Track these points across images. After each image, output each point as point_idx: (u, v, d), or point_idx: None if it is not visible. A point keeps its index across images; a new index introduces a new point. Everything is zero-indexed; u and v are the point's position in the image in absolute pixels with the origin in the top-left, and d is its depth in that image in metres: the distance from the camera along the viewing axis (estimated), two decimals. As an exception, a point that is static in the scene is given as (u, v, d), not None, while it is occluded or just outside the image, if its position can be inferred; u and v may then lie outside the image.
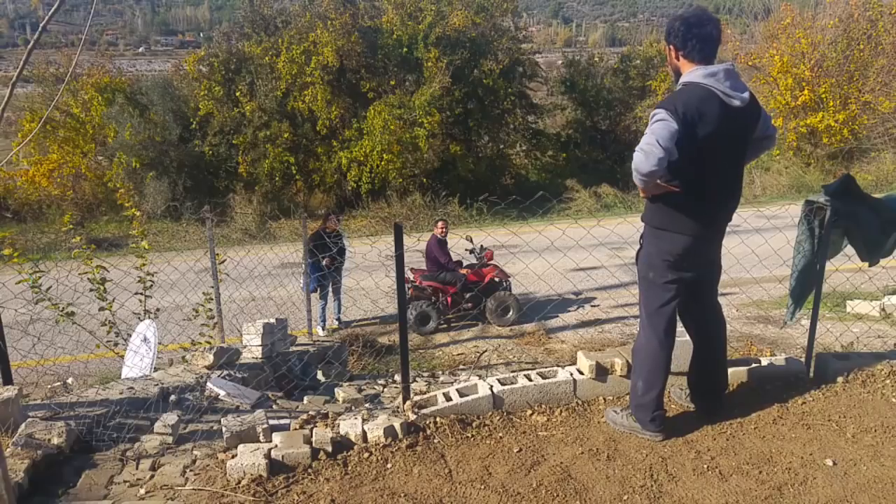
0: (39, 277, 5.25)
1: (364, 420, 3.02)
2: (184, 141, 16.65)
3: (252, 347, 5.12)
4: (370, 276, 6.62)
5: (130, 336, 5.22)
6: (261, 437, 2.95)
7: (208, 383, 4.10)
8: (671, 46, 2.72)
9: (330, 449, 2.85)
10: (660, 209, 2.77)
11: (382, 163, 15.46)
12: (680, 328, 3.24)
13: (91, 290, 5.59)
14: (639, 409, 2.95)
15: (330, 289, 8.51)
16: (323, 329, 8.36)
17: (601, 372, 3.34)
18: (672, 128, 2.49)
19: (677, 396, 3.31)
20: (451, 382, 4.69)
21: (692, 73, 2.64)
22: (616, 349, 3.57)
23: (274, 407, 4.08)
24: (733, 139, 2.68)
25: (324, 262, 7.77)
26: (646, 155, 2.45)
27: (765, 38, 18.99)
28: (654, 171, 2.47)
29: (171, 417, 3.18)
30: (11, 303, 4.47)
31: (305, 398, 4.45)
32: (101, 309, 5.57)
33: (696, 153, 2.59)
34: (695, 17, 2.64)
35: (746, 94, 2.64)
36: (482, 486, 2.62)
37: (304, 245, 7.61)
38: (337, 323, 8.66)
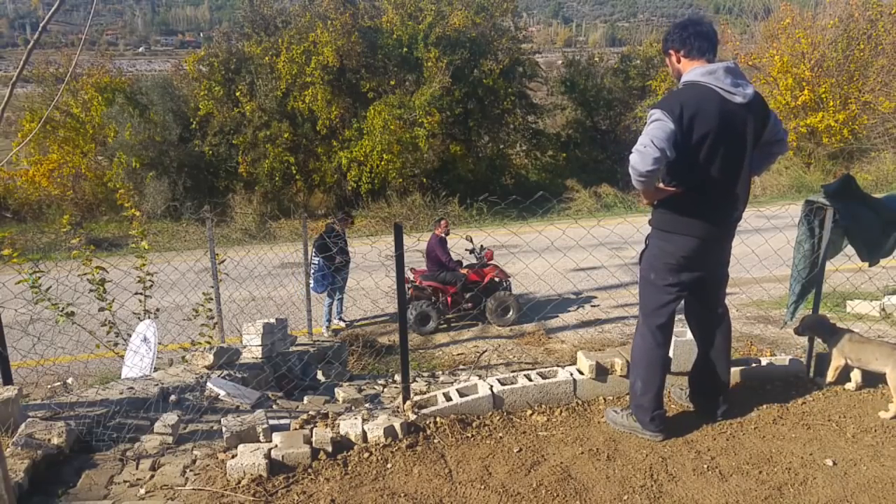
0: (39, 277, 5.25)
1: (364, 420, 3.02)
2: (184, 141, 16.65)
3: (252, 347, 5.12)
4: (370, 276, 6.62)
5: (130, 336, 5.22)
6: (261, 437, 2.95)
7: (208, 383, 4.09)
8: (671, 51, 2.75)
9: (330, 449, 2.85)
10: (666, 212, 2.78)
11: (382, 163, 15.46)
12: (682, 328, 3.25)
13: (91, 290, 5.59)
14: (638, 409, 2.96)
15: (337, 287, 8.55)
16: (327, 330, 8.39)
17: (601, 372, 3.34)
18: (668, 128, 2.50)
19: (677, 396, 3.31)
20: (451, 382, 4.68)
21: (691, 73, 2.66)
22: (616, 349, 3.57)
23: (274, 407, 4.08)
24: (737, 137, 2.65)
25: (337, 259, 7.99)
26: (641, 155, 2.47)
27: (765, 38, 18.99)
28: (651, 171, 2.48)
29: (171, 417, 3.18)
30: (11, 303, 4.46)
31: (305, 398, 4.45)
32: (101, 309, 5.56)
33: (695, 151, 2.59)
34: (689, 19, 2.74)
35: (750, 91, 2.62)
36: (482, 486, 2.62)
37: (317, 240, 8.08)
38: (343, 323, 8.66)
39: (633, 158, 2.49)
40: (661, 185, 2.72)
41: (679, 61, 2.73)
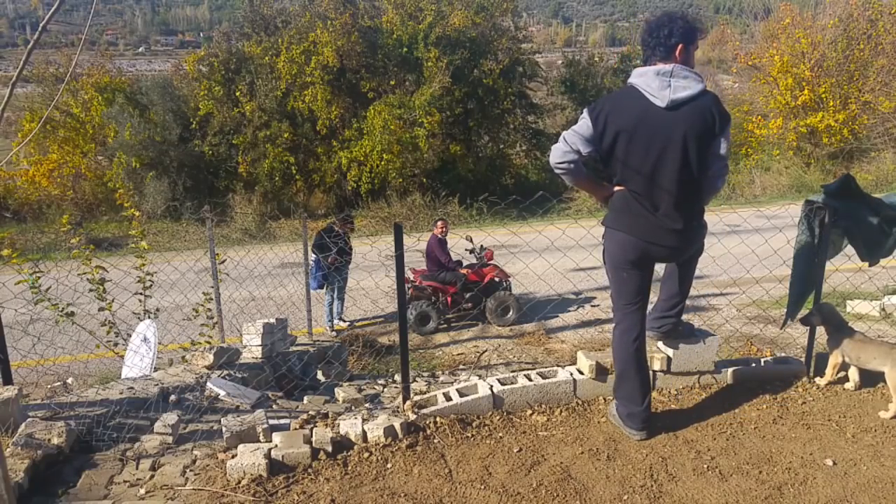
0: (39, 277, 5.25)
1: (364, 420, 3.02)
2: (184, 141, 16.66)
3: (252, 347, 5.11)
4: (370, 276, 6.62)
5: (130, 336, 5.22)
6: (261, 437, 2.95)
7: (208, 383, 4.09)
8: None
9: (330, 449, 2.84)
10: (609, 209, 2.84)
11: (382, 163, 15.46)
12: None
13: (91, 290, 5.59)
14: (618, 404, 3.00)
15: (335, 286, 8.55)
16: (331, 328, 8.40)
17: (601, 372, 3.34)
18: (585, 125, 2.62)
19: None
20: (451, 382, 4.68)
21: (631, 74, 2.69)
22: (616, 349, 3.56)
23: (274, 407, 4.08)
24: (659, 140, 2.57)
25: (329, 260, 7.97)
26: (553, 150, 2.66)
27: (765, 38, 19.01)
28: (562, 164, 2.63)
29: (171, 417, 3.18)
30: (11, 303, 4.46)
31: (305, 398, 4.45)
32: (101, 309, 5.56)
33: (611, 149, 2.63)
34: (654, 20, 2.68)
35: (680, 96, 2.55)
36: (482, 486, 2.62)
37: (317, 239, 8.18)
38: (344, 323, 8.66)
39: (551, 153, 2.67)
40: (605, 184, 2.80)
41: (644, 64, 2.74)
